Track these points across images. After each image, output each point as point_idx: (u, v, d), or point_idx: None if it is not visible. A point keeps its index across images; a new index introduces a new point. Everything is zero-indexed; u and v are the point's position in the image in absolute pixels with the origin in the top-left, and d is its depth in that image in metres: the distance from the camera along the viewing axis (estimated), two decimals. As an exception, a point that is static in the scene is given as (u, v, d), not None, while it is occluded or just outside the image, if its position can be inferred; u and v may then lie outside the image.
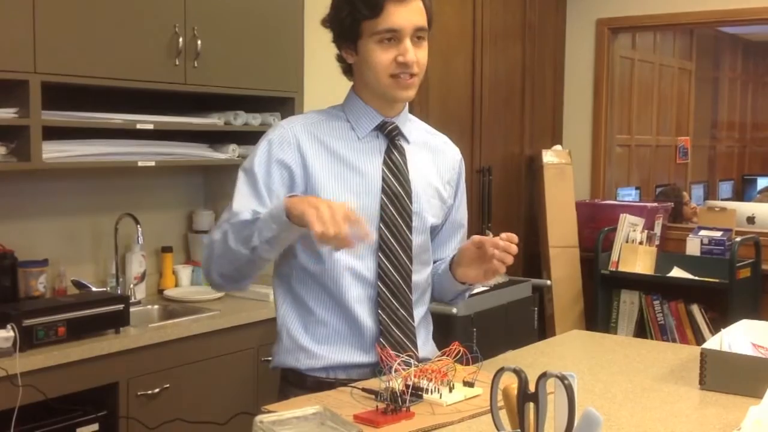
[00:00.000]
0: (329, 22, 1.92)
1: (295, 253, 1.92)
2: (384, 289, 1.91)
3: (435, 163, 2.04)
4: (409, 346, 1.91)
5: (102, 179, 3.31)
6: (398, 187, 1.91)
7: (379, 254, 1.90)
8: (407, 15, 1.83)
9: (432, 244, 2.08)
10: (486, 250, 1.86)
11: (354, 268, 1.89)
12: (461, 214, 2.13)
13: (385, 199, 1.90)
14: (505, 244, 1.84)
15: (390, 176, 1.91)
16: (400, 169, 1.93)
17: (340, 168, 1.89)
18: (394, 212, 1.90)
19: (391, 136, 1.94)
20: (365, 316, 1.90)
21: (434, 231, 2.06)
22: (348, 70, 1.96)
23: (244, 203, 1.84)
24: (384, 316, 1.90)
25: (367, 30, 1.83)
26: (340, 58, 1.94)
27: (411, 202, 1.93)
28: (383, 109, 1.94)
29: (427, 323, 2.06)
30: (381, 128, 1.94)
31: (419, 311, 2.00)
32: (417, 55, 1.86)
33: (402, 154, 1.95)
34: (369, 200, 1.89)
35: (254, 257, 1.78)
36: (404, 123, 1.98)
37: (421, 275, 2.00)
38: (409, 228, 1.92)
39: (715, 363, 1.93)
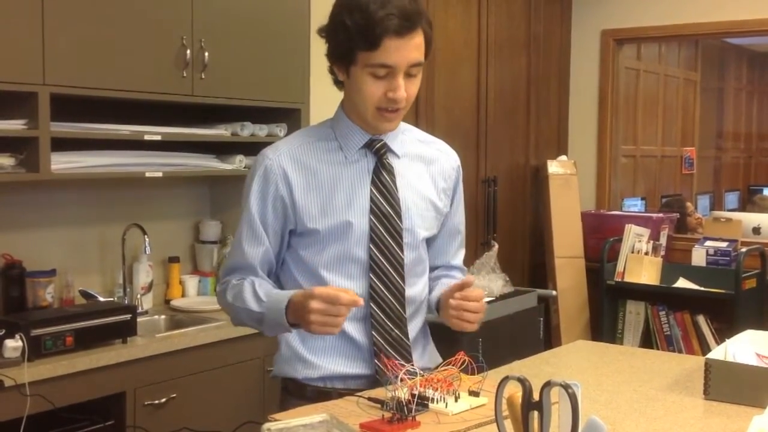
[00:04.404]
0: (325, 36, 1.89)
1: (293, 274, 1.95)
2: (376, 309, 1.91)
3: (429, 173, 2.03)
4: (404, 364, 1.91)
5: (110, 190, 3.33)
6: (387, 206, 1.91)
7: (371, 275, 1.90)
8: (404, 52, 1.79)
9: (429, 251, 2.09)
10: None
11: (345, 288, 1.86)
12: (457, 219, 2.11)
13: (374, 219, 1.90)
14: (472, 305, 1.86)
15: (378, 196, 1.91)
16: (388, 188, 1.92)
17: (328, 192, 1.89)
18: (383, 232, 1.90)
19: (380, 154, 1.94)
20: (358, 334, 1.92)
21: (430, 240, 2.05)
22: (339, 82, 1.94)
23: (244, 252, 1.92)
24: (378, 337, 1.91)
25: (361, 59, 1.80)
26: (332, 71, 1.93)
27: (401, 221, 1.92)
28: (370, 128, 1.93)
29: (424, 334, 2.06)
30: (369, 146, 1.93)
31: (415, 325, 2.00)
32: (407, 89, 1.83)
33: (390, 172, 1.94)
34: (358, 221, 1.89)
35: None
36: (394, 137, 1.97)
37: (415, 289, 1.99)
38: (400, 246, 1.92)
39: (720, 373, 1.93)
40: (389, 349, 1.90)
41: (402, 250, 1.93)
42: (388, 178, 1.93)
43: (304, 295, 1.76)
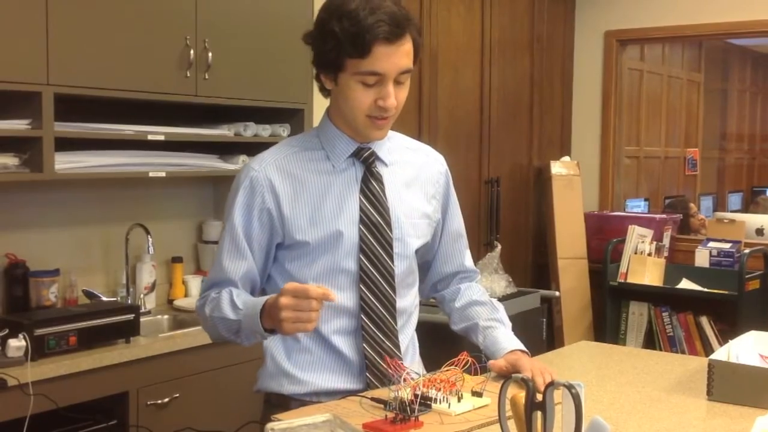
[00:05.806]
0: (311, 43, 1.85)
1: (278, 283, 1.90)
2: (367, 321, 1.88)
3: (419, 179, 2.00)
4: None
5: (113, 190, 3.33)
6: (377, 216, 1.88)
7: (361, 286, 1.87)
8: (394, 59, 1.76)
9: (436, 260, 2.08)
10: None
11: (334, 300, 1.82)
12: (456, 223, 2.09)
13: (363, 229, 1.86)
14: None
15: (368, 206, 1.88)
16: (378, 197, 1.89)
17: (316, 203, 1.86)
18: (374, 242, 1.87)
19: (368, 162, 1.90)
20: (348, 348, 1.88)
21: (427, 248, 2.03)
22: (326, 90, 1.90)
23: (225, 267, 1.88)
24: (369, 349, 1.88)
25: (350, 67, 1.76)
26: (319, 78, 1.88)
27: (391, 230, 1.89)
28: (358, 136, 1.89)
29: (413, 344, 2.04)
30: (357, 155, 1.90)
31: (405, 336, 1.97)
32: (397, 96, 1.80)
33: (379, 181, 1.91)
34: (348, 231, 1.86)
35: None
36: (382, 145, 1.93)
37: (406, 300, 1.96)
38: (391, 257, 1.89)
39: (723, 374, 1.93)
40: (381, 362, 1.87)
41: (392, 261, 1.89)
42: (377, 187, 1.90)
43: (275, 296, 1.72)
